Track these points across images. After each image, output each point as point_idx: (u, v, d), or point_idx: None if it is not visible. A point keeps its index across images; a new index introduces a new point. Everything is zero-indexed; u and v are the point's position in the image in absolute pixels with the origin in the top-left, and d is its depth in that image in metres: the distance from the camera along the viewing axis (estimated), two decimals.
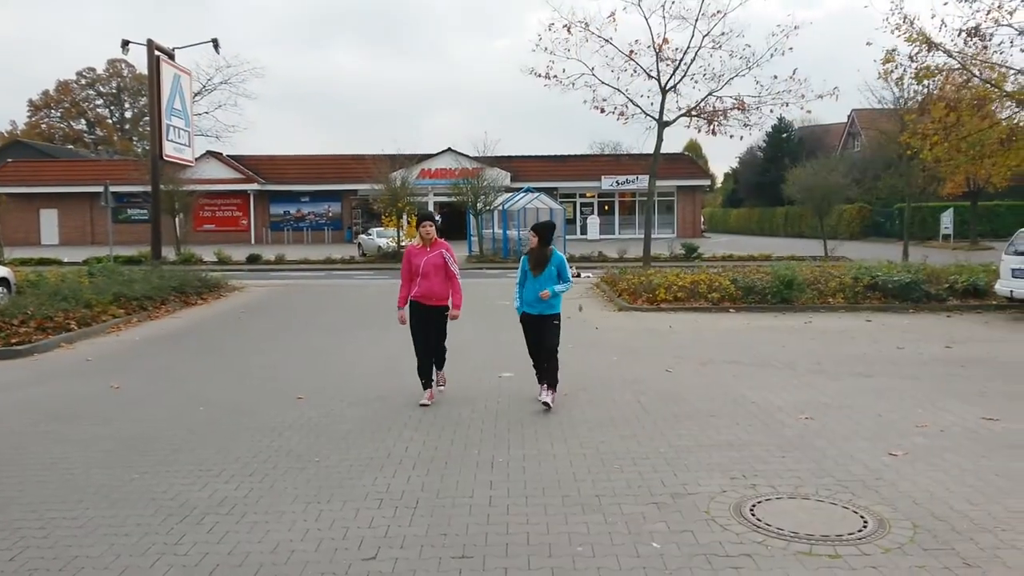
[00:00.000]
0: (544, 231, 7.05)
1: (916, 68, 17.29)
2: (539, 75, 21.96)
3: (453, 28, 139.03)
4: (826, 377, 8.12)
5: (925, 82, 17.68)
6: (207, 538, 4.25)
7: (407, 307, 7.18)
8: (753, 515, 4.45)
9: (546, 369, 7.01)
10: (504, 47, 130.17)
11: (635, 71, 21.79)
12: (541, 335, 7.03)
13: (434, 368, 7.37)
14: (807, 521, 4.36)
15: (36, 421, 6.70)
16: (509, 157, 44.21)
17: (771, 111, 22.31)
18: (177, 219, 32.97)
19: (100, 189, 25.42)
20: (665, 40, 21.40)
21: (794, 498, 4.72)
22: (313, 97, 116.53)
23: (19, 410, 7.11)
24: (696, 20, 21.18)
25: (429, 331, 7.12)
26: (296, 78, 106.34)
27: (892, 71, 18.03)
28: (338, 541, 4.19)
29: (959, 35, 16.92)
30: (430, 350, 7.16)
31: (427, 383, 7.19)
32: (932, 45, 16.94)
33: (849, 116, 53.52)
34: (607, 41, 21.53)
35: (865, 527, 4.27)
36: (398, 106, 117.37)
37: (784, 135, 58.04)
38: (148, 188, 23.16)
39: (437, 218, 7.37)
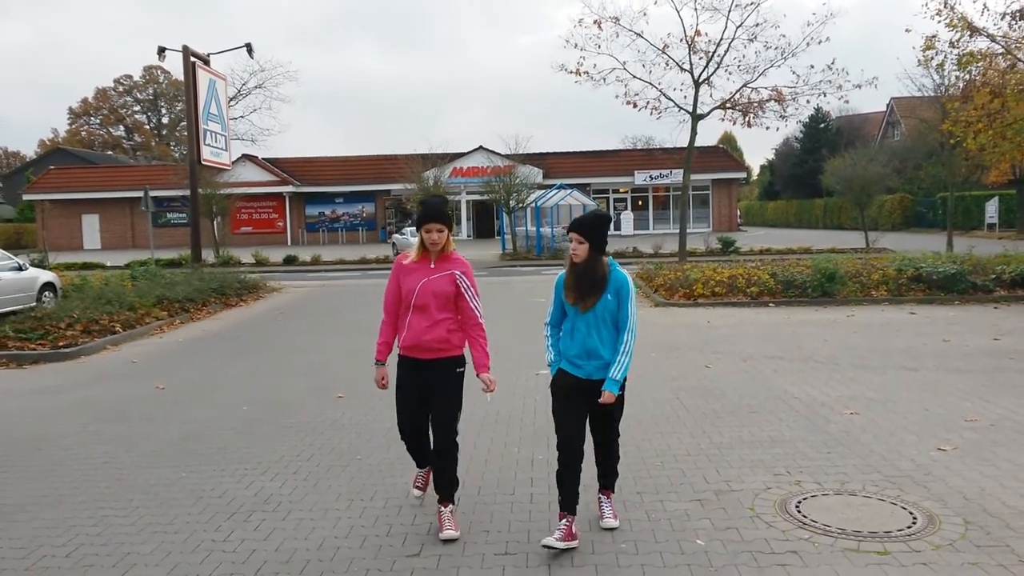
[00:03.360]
0: (595, 229, 4.07)
1: (958, 54, 16.89)
2: (570, 71, 21.94)
3: (474, 26, 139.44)
4: (870, 371, 7.98)
5: (968, 68, 17.24)
6: (254, 535, 4.32)
7: (398, 363, 4.38)
8: (799, 512, 4.39)
9: (605, 462, 4.38)
10: (528, 44, 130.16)
11: (668, 64, 21.68)
12: (600, 417, 4.22)
13: (435, 487, 4.37)
14: (854, 518, 4.29)
15: (85, 422, 6.87)
16: (541, 154, 44.19)
17: (808, 102, 22.04)
18: (215, 222, 33.50)
19: (140, 194, 25.99)
20: (697, 32, 21.26)
21: (840, 494, 4.65)
22: (333, 97, 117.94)
23: (68, 411, 7.29)
24: (729, 11, 21.03)
25: (423, 402, 4.31)
26: (314, 78, 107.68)
27: (933, 58, 17.66)
28: (382, 538, 4.22)
29: (1003, 19, 16.51)
30: (423, 436, 4.39)
31: (420, 463, 4.60)
32: (974, 30, 16.53)
33: (888, 105, 52.52)
34: (638, 35, 21.46)
35: (914, 523, 4.19)
36: (420, 105, 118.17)
37: (821, 125, 57.17)
38: (187, 192, 23.62)
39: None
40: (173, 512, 4.68)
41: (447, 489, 4.34)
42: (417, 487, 4.63)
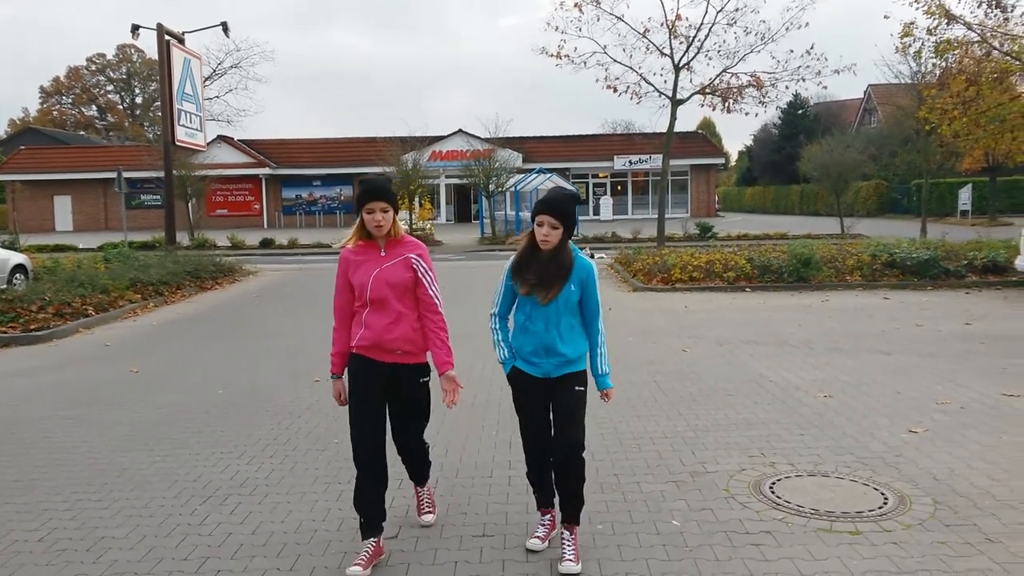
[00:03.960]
0: (572, 213, 3.61)
1: (935, 41, 17.03)
2: (550, 55, 21.84)
3: (455, 8, 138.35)
4: (844, 355, 8.08)
5: (945, 56, 17.41)
6: (230, 518, 4.29)
7: (349, 363, 3.82)
8: (772, 493, 4.45)
9: (564, 482, 3.72)
10: (511, 25, 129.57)
11: (648, 49, 21.64)
12: (557, 413, 3.73)
13: (410, 481, 4.22)
14: (827, 498, 4.35)
15: (58, 406, 6.78)
16: (520, 138, 44.05)
17: (786, 87, 22.18)
18: (190, 204, 33.09)
19: (113, 175, 25.56)
20: (678, 16, 21.20)
21: (814, 476, 4.71)
22: (313, 79, 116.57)
23: (41, 395, 7.19)
24: None
25: (383, 412, 3.77)
26: (295, 59, 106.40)
27: (910, 45, 17.79)
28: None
29: (979, 6, 16.67)
30: (380, 448, 3.71)
31: (370, 524, 3.72)
32: (952, 17, 16.68)
33: (866, 92, 52.91)
34: (619, 19, 21.38)
35: (885, 504, 4.26)
36: (402, 87, 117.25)
37: (799, 111, 57.48)
38: (161, 173, 23.25)
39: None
40: (148, 496, 4.64)
41: (421, 475, 4.16)
42: (357, 568, 3.54)
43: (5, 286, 13.57)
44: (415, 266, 3.71)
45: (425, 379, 3.83)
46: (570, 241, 3.69)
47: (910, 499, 4.32)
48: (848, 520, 4.07)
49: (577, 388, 3.72)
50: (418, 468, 4.12)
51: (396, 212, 3.71)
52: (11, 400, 7.04)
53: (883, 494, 4.40)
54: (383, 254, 3.71)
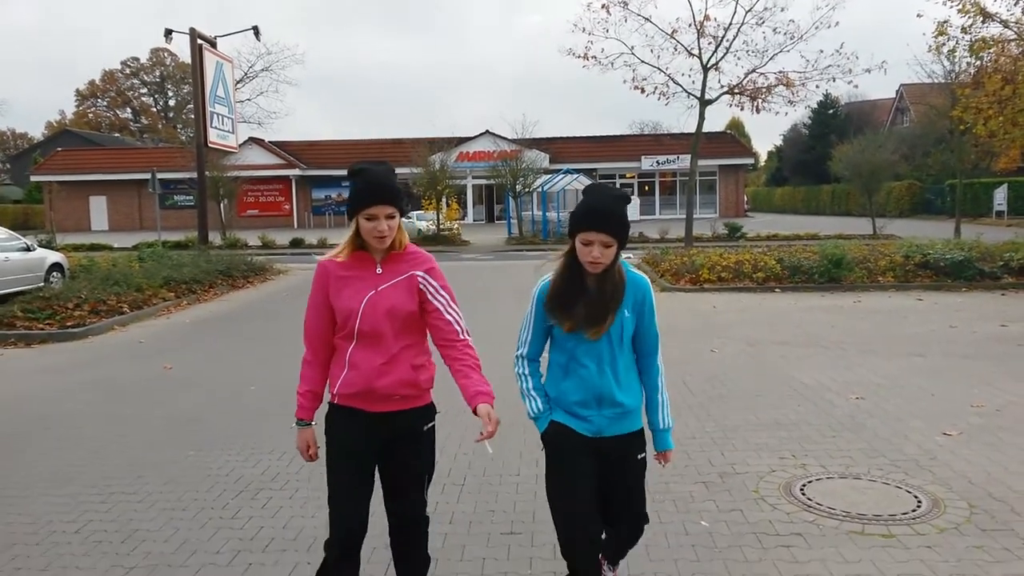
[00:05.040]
0: (621, 220, 2.70)
1: (970, 40, 16.75)
2: (577, 56, 21.77)
3: (482, 9, 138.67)
4: (877, 357, 7.97)
5: (980, 55, 17.10)
6: (262, 512, 4.35)
7: (328, 416, 2.91)
8: (803, 495, 4.41)
9: (620, 545, 3.16)
10: (536, 23, 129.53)
11: (676, 49, 21.50)
12: (614, 495, 2.97)
13: None
14: (859, 501, 4.30)
15: (93, 401, 6.91)
16: (547, 139, 44.02)
17: (816, 87, 21.87)
18: (222, 204, 33.45)
19: (147, 176, 25.99)
20: (707, 17, 21.04)
21: (845, 478, 4.66)
22: (339, 81, 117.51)
23: (76, 391, 7.34)
24: None
25: (369, 477, 2.90)
26: (321, 62, 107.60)
27: (944, 44, 17.49)
28: None
29: (1016, 4, 16.35)
30: (359, 546, 2.91)
31: None
32: (987, 15, 16.39)
33: (897, 91, 52.10)
34: (647, 20, 21.27)
35: (919, 507, 4.20)
36: (427, 90, 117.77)
37: (830, 111, 56.82)
38: (194, 175, 23.55)
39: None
40: (181, 490, 4.71)
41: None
42: None
43: (42, 284, 13.87)
44: (422, 287, 2.79)
45: (430, 425, 2.94)
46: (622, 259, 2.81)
47: (944, 503, 4.25)
48: (881, 523, 4.02)
49: (639, 457, 2.93)
50: (414, 560, 3.02)
51: (402, 216, 2.80)
52: (48, 396, 7.19)
53: (916, 497, 4.33)
54: (379, 271, 2.78)
